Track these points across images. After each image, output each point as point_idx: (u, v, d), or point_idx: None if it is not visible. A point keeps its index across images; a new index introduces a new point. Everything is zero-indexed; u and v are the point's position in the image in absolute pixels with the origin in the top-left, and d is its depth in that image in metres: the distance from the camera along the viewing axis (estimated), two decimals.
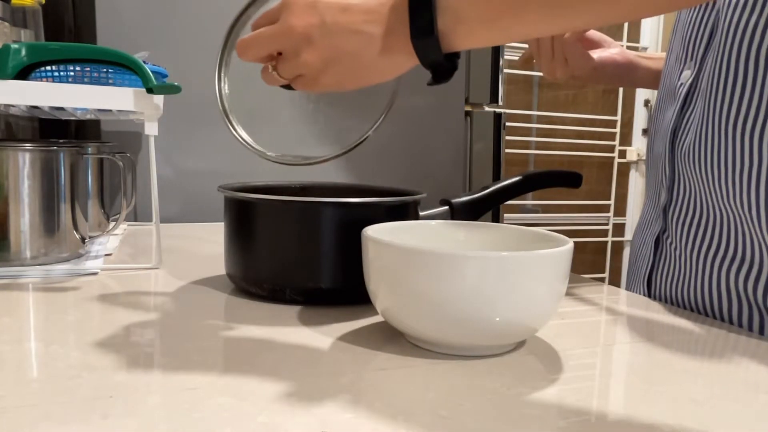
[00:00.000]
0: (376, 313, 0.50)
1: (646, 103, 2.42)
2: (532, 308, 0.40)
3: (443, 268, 0.38)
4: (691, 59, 0.58)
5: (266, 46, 0.46)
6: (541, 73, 0.81)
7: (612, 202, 2.43)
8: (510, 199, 0.66)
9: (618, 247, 2.54)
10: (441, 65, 0.43)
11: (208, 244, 0.81)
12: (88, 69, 0.70)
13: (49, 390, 0.34)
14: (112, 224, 0.80)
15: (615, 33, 2.35)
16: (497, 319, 0.39)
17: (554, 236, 0.46)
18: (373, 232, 0.45)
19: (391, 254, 0.41)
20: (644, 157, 2.47)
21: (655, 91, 0.71)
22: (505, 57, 1.30)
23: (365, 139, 0.52)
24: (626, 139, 2.45)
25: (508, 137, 1.33)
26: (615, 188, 2.44)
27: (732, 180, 0.51)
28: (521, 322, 0.40)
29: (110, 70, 0.71)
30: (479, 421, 0.32)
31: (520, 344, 0.44)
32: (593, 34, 0.75)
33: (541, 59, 0.73)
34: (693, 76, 0.58)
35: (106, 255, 0.70)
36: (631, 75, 0.76)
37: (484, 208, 0.64)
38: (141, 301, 0.54)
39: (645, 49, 2.41)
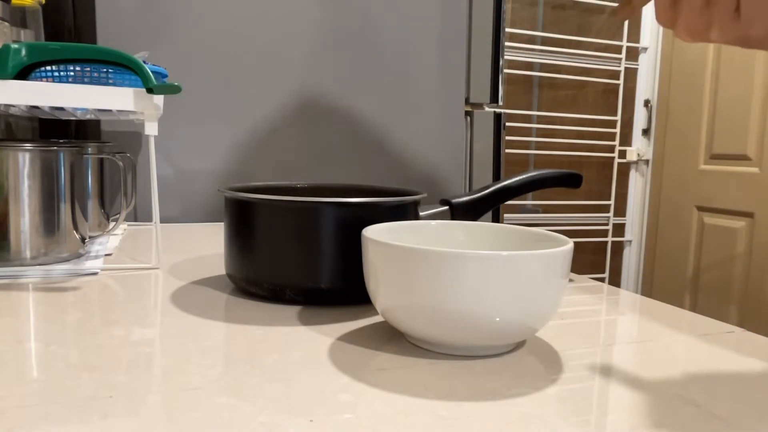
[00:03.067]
0: (376, 313, 0.50)
1: (646, 103, 2.42)
2: (532, 308, 0.40)
3: (443, 268, 0.38)
4: None
5: None
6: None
7: (612, 202, 2.43)
8: (510, 199, 0.66)
9: (618, 248, 2.54)
10: None
11: (208, 244, 0.81)
12: (88, 69, 0.70)
13: (49, 390, 0.34)
14: (112, 224, 0.80)
15: (615, 33, 2.35)
16: (497, 319, 0.39)
17: (554, 236, 0.46)
18: (372, 232, 0.45)
19: (390, 254, 0.41)
20: (644, 157, 2.47)
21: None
22: (505, 57, 1.29)
23: None
24: (626, 139, 2.45)
25: (508, 137, 1.32)
26: (615, 188, 2.44)
27: None
28: (521, 322, 0.40)
29: (110, 70, 0.71)
30: (479, 421, 0.32)
31: (520, 344, 0.44)
32: None
33: (680, 3, 0.41)
34: None
35: (106, 255, 0.70)
36: None
37: (484, 208, 0.64)
38: (141, 301, 0.54)
39: (645, 49, 2.41)
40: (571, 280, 0.65)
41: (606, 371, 0.40)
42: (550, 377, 0.38)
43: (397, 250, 0.41)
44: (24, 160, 0.62)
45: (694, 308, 2.28)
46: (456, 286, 0.38)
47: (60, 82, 0.69)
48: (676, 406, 0.35)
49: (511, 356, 0.41)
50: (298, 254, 0.51)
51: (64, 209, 0.65)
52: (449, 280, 0.38)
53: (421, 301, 0.40)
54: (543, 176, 0.68)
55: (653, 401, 0.35)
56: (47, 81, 0.69)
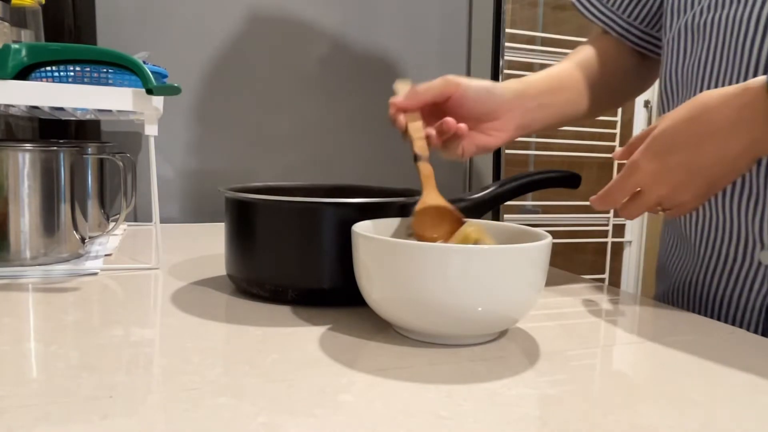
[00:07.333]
0: (376, 313, 0.50)
1: (646, 104, 2.42)
2: (512, 299, 0.42)
3: (427, 261, 0.40)
4: None
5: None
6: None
7: None
8: (510, 199, 0.66)
9: (618, 248, 2.54)
10: None
11: (208, 244, 0.81)
12: (88, 69, 0.70)
13: (49, 390, 0.34)
14: (112, 224, 0.80)
15: None
16: (479, 309, 0.41)
17: (535, 231, 0.47)
18: (362, 227, 0.47)
19: (377, 248, 0.43)
20: None
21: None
22: (505, 57, 1.30)
23: None
24: (626, 140, 2.44)
25: None
26: None
27: None
28: (502, 312, 0.42)
29: (110, 71, 0.71)
30: (479, 421, 0.32)
31: (520, 344, 0.44)
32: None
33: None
34: None
35: (106, 255, 0.70)
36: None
37: (484, 209, 0.64)
38: (141, 301, 0.54)
39: None
40: (571, 281, 0.65)
41: (606, 371, 0.40)
42: (550, 378, 0.38)
43: (383, 245, 0.42)
44: (24, 160, 0.62)
45: None
46: (440, 278, 0.40)
47: (60, 82, 0.69)
48: (677, 405, 0.35)
49: (513, 357, 0.41)
50: (299, 255, 0.51)
51: (64, 209, 0.65)
52: (433, 273, 0.40)
53: (408, 293, 0.41)
54: (541, 177, 0.68)
55: (654, 401, 0.35)
56: (47, 81, 0.69)
